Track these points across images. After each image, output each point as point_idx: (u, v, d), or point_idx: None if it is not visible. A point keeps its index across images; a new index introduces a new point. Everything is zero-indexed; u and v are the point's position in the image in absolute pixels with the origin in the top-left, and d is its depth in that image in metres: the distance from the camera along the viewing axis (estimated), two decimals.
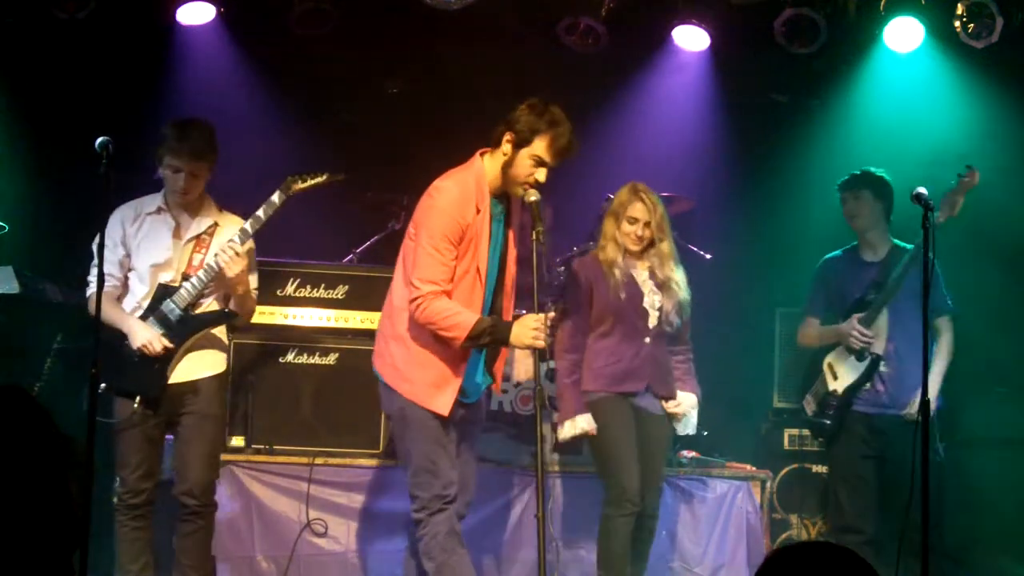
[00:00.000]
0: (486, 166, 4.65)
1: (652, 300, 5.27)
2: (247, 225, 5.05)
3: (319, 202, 5.20)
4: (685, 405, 5.40)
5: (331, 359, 6.11)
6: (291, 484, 5.88)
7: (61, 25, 6.47)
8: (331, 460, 5.95)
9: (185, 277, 5.05)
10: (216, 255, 5.00)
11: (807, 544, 2.29)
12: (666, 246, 5.30)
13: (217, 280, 5.05)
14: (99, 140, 4.36)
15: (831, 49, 6.86)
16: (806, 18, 6.67)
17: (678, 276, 5.33)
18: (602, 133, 7.23)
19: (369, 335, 5.97)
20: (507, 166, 4.59)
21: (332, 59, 7.08)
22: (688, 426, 5.44)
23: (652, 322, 5.26)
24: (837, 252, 5.86)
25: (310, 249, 6.30)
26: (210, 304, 5.11)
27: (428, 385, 4.61)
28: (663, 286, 5.29)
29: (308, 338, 6.12)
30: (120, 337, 4.98)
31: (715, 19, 6.86)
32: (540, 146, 4.54)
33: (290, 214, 5.17)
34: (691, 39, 6.95)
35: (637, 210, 5.25)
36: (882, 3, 6.68)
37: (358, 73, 7.34)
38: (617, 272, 5.24)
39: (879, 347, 5.56)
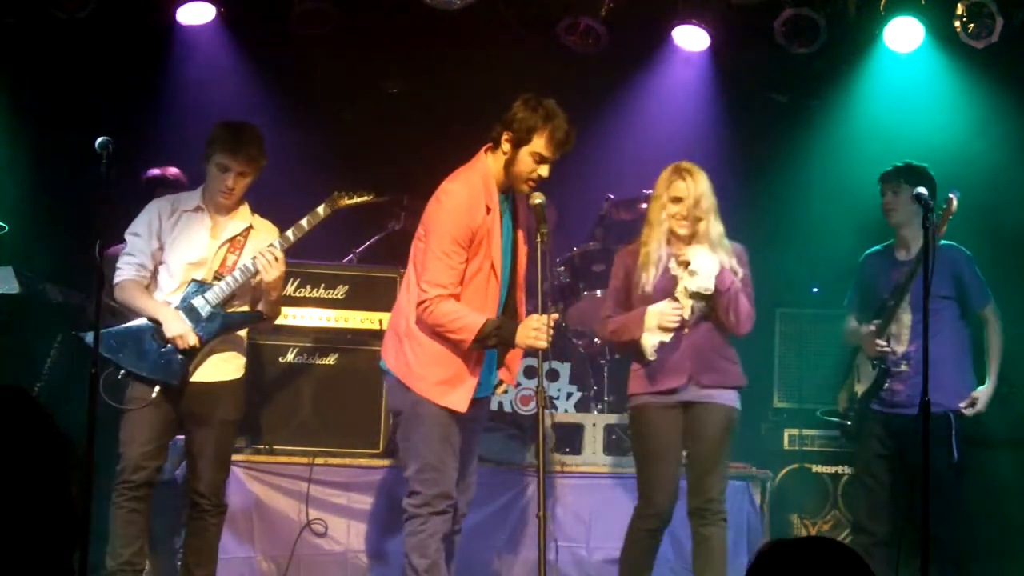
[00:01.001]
0: (489, 163, 4.64)
1: (687, 288, 4.96)
2: (289, 232, 5.06)
3: (318, 202, 5.19)
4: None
5: (331, 359, 6.11)
6: (291, 484, 5.88)
7: (61, 25, 6.46)
8: (331, 460, 5.94)
9: (218, 276, 5.03)
10: (255, 258, 4.99)
11: (799, 540, 2.29)
12: (703, 226, 4.98)
13: (251, 283, 5.05)
14: (99, 140, 4.37)
15: (831, 49, 6.84)
16: (806, 18, 6.66)
17: (717, 267, 4.96)
18: (602, 133, 7.22)
19: (369, 335, 5.98)
20: (509, 165, 4.59)
21: (332, 59, 7.07)
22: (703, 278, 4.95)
23: (686, 313, 4.98)
24: (878, 247, 5.75)
25: (310, 249, 6.29)
26: (240, 306, 5.10)
27: (443, 382, 4.59)
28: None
29: (308, 338, 6.12)
30: (145, 326, 4.97)
31: (715, 19, 6.85)
32: (539, 143, 4.54)
33: (290, 214, 5.17)
34: (691, 39, 6.94)
35: (679, 189, 4.96)
36: (882, 3, 6.67)
37: (358, 73, 7.34)
38: (651, 269, 5.00)
39: (901, 348, 5.49)
